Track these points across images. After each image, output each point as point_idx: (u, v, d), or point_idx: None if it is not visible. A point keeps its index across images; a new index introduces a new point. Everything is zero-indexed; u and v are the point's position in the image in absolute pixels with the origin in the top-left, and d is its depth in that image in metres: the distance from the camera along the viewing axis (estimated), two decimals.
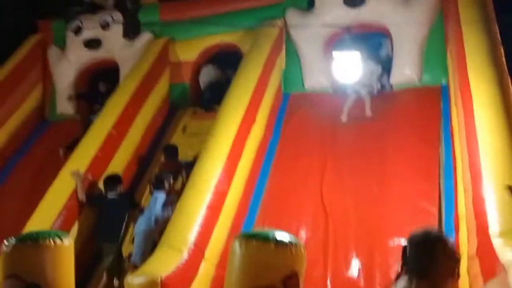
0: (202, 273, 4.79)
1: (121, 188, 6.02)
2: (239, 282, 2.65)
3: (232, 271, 2.75)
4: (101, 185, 6.16)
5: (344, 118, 6.82)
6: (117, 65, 8.36)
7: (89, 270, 5.85)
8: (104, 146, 6.48)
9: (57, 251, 3.07)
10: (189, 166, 6.43)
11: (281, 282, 2.55)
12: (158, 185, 5.89)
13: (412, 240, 2.31)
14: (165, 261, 4.60)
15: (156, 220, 5.56)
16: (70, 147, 6.92)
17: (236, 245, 2.72)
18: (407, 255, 2.29)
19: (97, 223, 5.86)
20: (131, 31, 8.32)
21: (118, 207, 5.82)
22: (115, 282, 5.56)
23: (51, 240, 3.04)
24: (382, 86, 6.98)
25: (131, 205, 6.03)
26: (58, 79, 8.54)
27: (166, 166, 6.70)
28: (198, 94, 8.31)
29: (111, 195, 5.89)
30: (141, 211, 5.92)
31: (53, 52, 8.66)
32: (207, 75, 8.19)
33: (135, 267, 5.09)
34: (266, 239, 2.64)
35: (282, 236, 2.70)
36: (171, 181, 6.04)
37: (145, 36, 8.30)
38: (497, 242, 3.97)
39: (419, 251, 2.26)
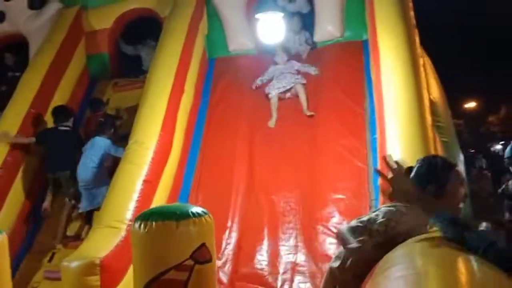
0: None
1: (72, 122, 6.18)
2: (147, 266, 2.57)
3: (138, 255, 2.65)
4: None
5: (272, 123, 6.33)
6: (25, 39, 7.73)
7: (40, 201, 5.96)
8: (23, 126, 6.06)
9: None
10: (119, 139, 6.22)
11: (191, 258, 2.54)
12: (98, 131, 5.99)
13: (432, 160, 2.35)
14: (103, 241, 4.45)
15: (100, 166, 5.68)
16: None
17: (136, 228, 2.61)
18: (422, 174, 2.28)
19: (49, 154, 5.90)
20: (36, 1, 7.68)
21: (71, 137, 5.98)
22: (70, 202, 5.85)
23: None
24: (311, 45, 7.01)
25: (80, 141, 6.11)
26: None
27: (92, 119, 6.69)
28: (118, 63, 7.93)
29: (62, 127, 6.01)
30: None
31: None
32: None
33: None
34: (167, 217, 2.56)
35: (184, 210, 2.63)
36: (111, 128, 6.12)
37: (53, 6, 7.70)
38: None
39: (439, 171, 2.28)
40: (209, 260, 2.61)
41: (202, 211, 2.66)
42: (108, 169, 5.73)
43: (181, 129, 6.07)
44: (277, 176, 5.85)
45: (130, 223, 4.67)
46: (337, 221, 5.30)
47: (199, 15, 7.13)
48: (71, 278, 4.15)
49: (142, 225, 2.59)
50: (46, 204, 5.88)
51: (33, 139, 5.95)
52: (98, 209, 5.33)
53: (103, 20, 7.81)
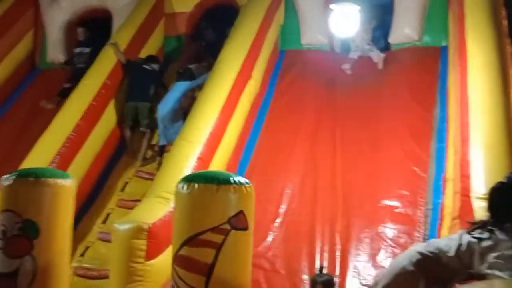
0: None
1: (156, 68, 7.01)
2: (186, 225, 2.66)
3: (178, 214, 2.76)
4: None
5: (348, 70, 6.79)
6: (110, 15, 8.13)
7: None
8: (98, 95, 6.37)
9: (58, 190, 3.08)
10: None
11: (227, 222, 2.58)
12: (180, 76, 6.80)
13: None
14: (153, 210, 4.58)
15: (179, 103, 6.43)
16: (62, 95, 7.21)
17: (180, 188, 2.70)
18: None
19: (131, 86, 6.72)
20: None
21: (150, 75, 6.82)
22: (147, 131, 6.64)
23: (53, 179, 3.03)
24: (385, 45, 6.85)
25: (160, 81, 7.05)
26: (50, 26, 8.27)
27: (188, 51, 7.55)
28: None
29: (148, 66, 6.88)
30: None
31: None
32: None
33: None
34: (208, 180, 2.64)
35: (226, 176, 2.71)
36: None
37: None
38: (477, 205, 3.97)
39: None
40: (246, 228, 2.66)
41: (244, 181, 2.71)
42: (185, 109, 6.35)
43: (242, 113, 6.13)
44: (333, 174, 5.74)
45: None
46: (388, 227, 5.13)
47: (276, 4, 7.17)
48: (120, 239, 4.33)
49: (185, 186, 2.69)
50: (128, 135, 6.62)
51: (124, 59, 6.77)
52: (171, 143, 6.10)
53: (184, 4, 8.05)
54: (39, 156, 5.57)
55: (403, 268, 2.11)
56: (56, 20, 8.25)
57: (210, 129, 5.49)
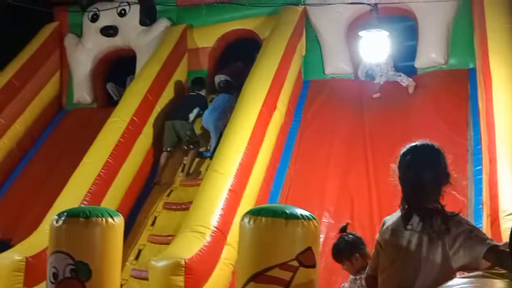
0: (225, 257, 4.68)
1: (203, 93, 7.24)
2: (252, 261, 2.54)
3: (243, 250, 2.63)
4: None
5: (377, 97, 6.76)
6: (134, 53, 8.27)
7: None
8: (126, 131, 6.37)
9: (108, 230, 3.02)
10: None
11: (296, 259, 2.47)
12: (224, 89, 7.16)
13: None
14: (188, 245, 4.51)
15: (223, 114, 6.63)
16: None
17: (245, 222, 2.59)
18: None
19: (174, 109, 7.02)
20: (148, 18, 8.21)
21: (195, 99, 7.08)
22: (191, 148, 6.69)
23: (103, 218, 2.98)
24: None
25: (205, 104, 7.13)
26: (75, 67, 8.46)
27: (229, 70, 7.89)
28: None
29: (192, 92, 7.24)
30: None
31: (70, 39, 8.58)
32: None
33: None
34: (277, 214, 2.52)
35: (293, 210, 2.59)
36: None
37: (162, 23, 8.19)
38: (505, 225, 3.85)
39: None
40: (314, 265, 2.53)
41: (311, 215, 2.60)
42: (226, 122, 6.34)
43: (269, 144, 6.09)
44: (369, 201, 5.60)
45: (214, 229, 4.72)
46: None
47: (297, 36, 7.22)
48: (157, 276, 4.29)
49: (252, 220, 2.56)
50: (162, 163, 6.64)
51: None
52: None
53: (206, 39, 8.15)
54: (71, 194, 5.56)
55: None
56: (81, 61, 8.43)
57: (239, 160, 5.44)
